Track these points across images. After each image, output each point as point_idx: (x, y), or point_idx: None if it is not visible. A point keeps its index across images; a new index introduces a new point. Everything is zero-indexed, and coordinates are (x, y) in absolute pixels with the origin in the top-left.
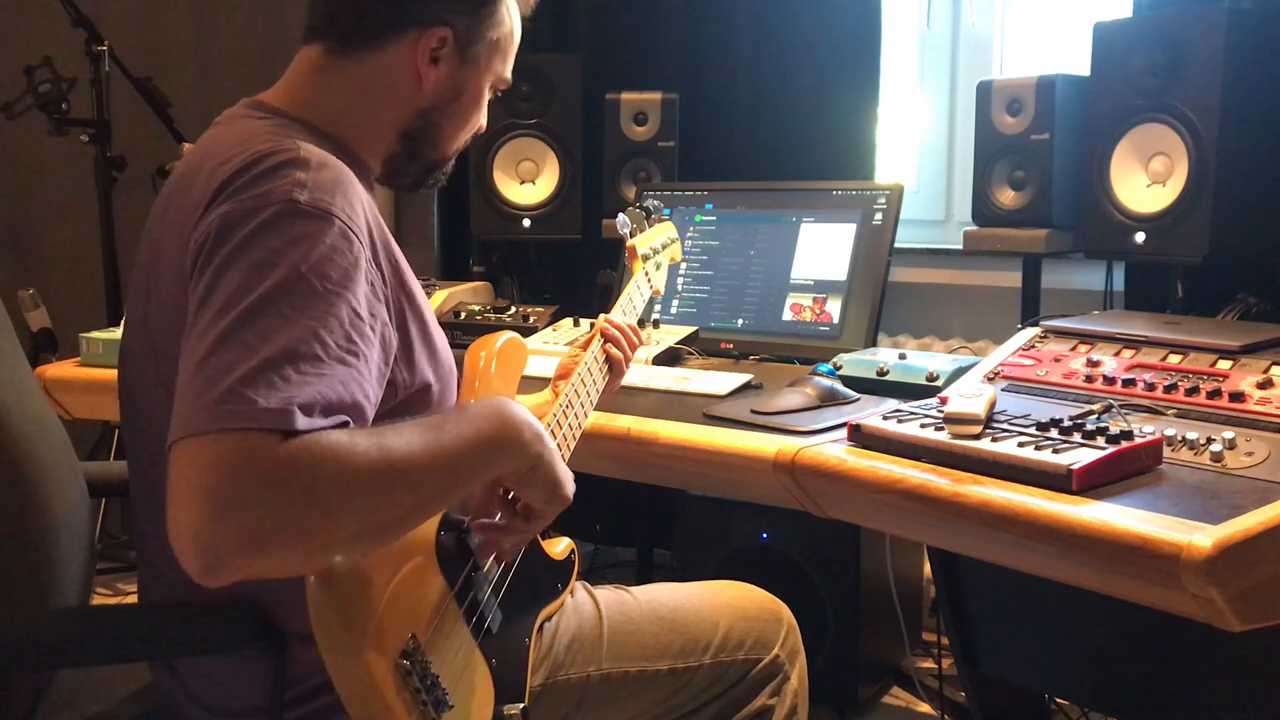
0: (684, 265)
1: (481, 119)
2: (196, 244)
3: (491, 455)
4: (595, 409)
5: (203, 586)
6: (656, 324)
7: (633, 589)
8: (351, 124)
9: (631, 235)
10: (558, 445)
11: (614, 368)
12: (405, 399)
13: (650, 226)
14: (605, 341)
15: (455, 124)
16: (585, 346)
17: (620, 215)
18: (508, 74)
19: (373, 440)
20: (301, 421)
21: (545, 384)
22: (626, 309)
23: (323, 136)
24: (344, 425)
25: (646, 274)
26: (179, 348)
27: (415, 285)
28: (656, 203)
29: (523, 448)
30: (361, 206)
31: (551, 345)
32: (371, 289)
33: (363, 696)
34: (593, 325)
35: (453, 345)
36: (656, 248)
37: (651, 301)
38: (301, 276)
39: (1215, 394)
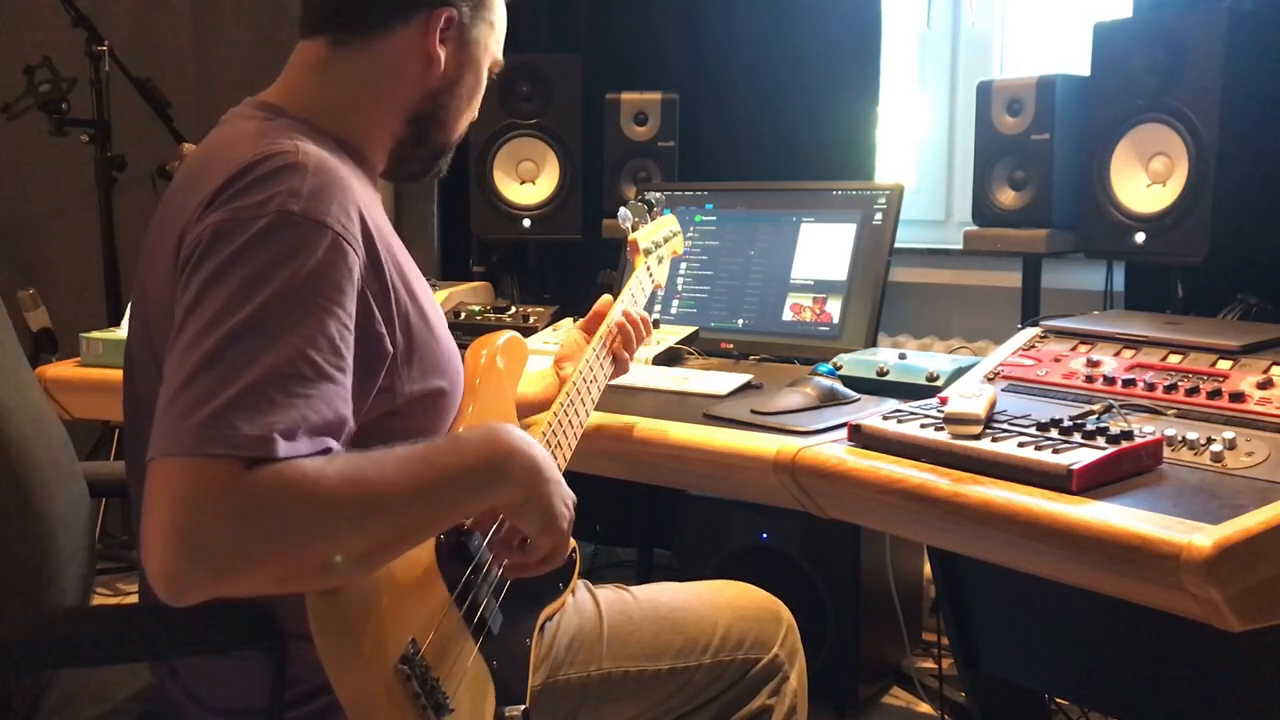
0: (684, 265)
1: (479, 103)
2: (188, 249)
3: (480, 488)
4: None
5: None
6: (656, 324)
7: (633, 588)
8: (356, 118)
9: (633, 229)
10: (559, 445)
11: (618, 363)
12: (407, 404)
13: (651, 220)
14: (615, 335)
15: (461, 105)
16: (588, 329)
17: (622, 209)
18: (501, 56)
19: (346, 470)
20: (282, 448)
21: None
22: (629, 303)
23: (326, 135)
24: (325, 450)
25: (648, 268)
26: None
27: (421, 289)
28: (658, 196)
29: (514, 482)
30: (358, 213)
31: (551, 345)
32: (365, 298)
33: (363, 702)
34: (584, 326)
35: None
36: (659, 241)
37: (653, 296)
38: (293, 292)
39: (1215, 394)
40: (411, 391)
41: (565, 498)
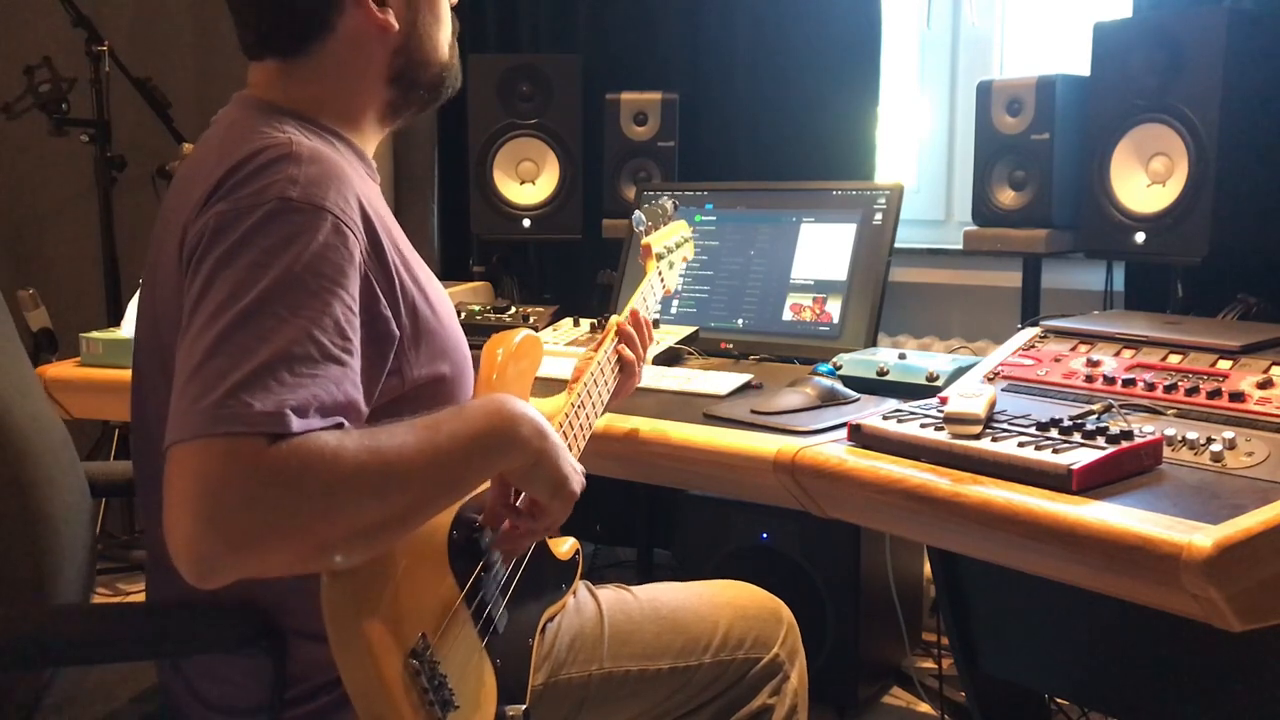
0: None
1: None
2: (191, 244)
3: (490, 452)
4: (606, 410)
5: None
6: (656, 324)
7: (634, 588)
8: (336, 107)
9: (646, 233)
10: (566, 445)
11: (625, 367)
12: (414, 389)
13: (665, 225)
14: (619, 341)
15: (432, 33)
16: (598, 347)
17: (636, 213)
18: None
19: (364, 441)
20: (296, 424)
21: (553, 385)
22: (640, 307)
23: (314, 124)
24: (338, 426)
25: (660, 273)
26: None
27: (425, 276)
28: (674, 201)
29: (523, 444)
30: (356, 199)
31: (552, 345)
32: (369, 282)
33: (371, 695)
34: (595, 324)
35: None
36: (670, 246)
37: (662, 300)
38: (296, 275)
39: (1215, 394)
40: (419, 376)
41: (573, 461)
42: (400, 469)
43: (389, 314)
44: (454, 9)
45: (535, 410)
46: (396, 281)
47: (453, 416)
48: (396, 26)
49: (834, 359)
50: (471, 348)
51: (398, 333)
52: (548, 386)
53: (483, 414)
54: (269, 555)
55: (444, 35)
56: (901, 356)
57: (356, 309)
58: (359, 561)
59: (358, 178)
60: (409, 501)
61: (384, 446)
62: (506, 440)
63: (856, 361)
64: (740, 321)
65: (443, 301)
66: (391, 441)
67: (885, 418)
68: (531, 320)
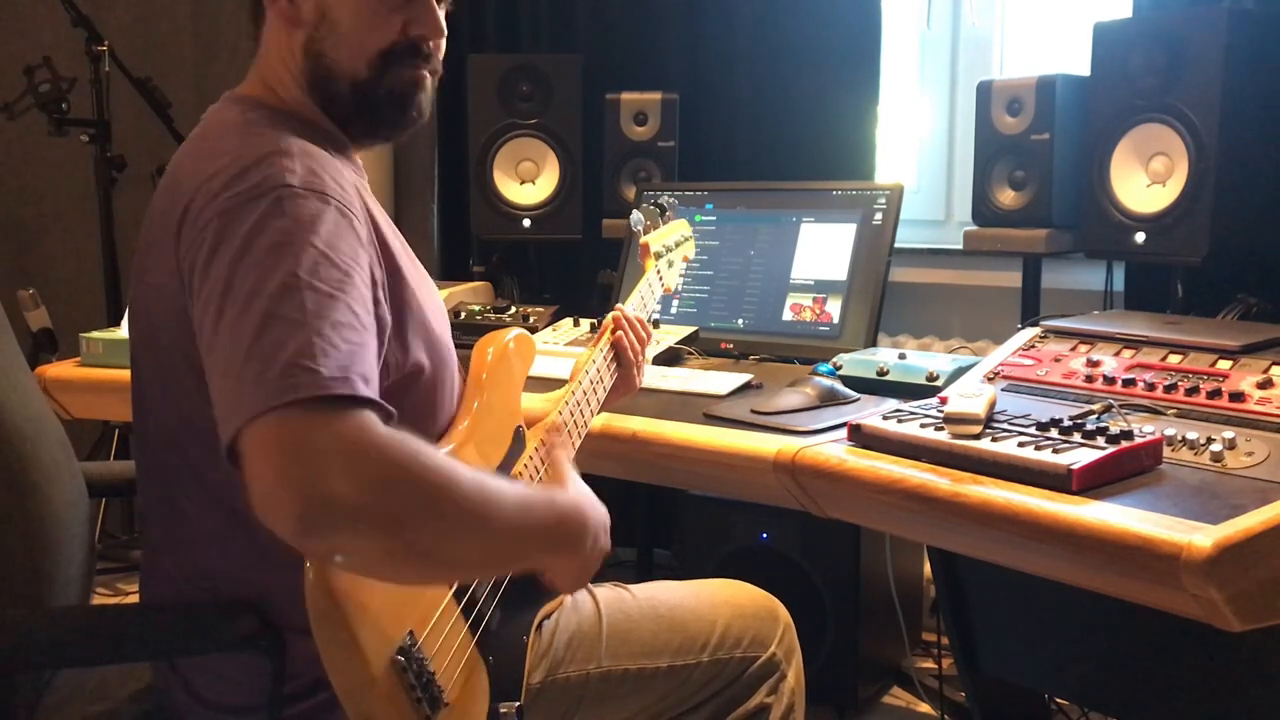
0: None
1: (390, 21)
2: (197, 243)
3: (553, 544)
4: (604, 409)
5: (200, 583)
6: (656, 324)
7: (631, 587)
8: (296, 96)
9: (645, 233)
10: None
11: (621, 359)
12: (397, 380)
13: (664, 224)
14: (614, 338)
15: (347, 33)
16: (594, 345)
17: (634, 213)
18: None
19: (476, 474)
20: (361, 389)
21: (552, 385)
22: (638, 306)
23: (300, 120)
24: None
25: (659, 272)
26: (177, 343)
27: (410, 268)
28: (672, 200)
29: (576, 549)
30: (351, 187)
31: (552, 345)
32: (371, 266)
33: (358, 693)
34: (594, 324)
35: (455, 345)
36: (670, 245)
37: (662, 299)
38: (320, 253)
39: (1215, 394)
40: (402, 367)
41: (604, 550)
42: (489, 516)
43: (382, 298)
44: (438, 30)
45: (604, 514)
46: (385, 269)
47: (543, 499)
48: (296, 30)
49: (834, 359)
50: (465, 348)
51: (389, 319)
52: (547, 387)
53: (557, 513)
54: (363, 533)
55: (367, 43)
56: (901, 356)
57: (369, 289)
58: (397, 580)
59: (347, 169)
60: (477, 551)
61: (489, 488)
62: (572, 544)
63: (856, 361)
64: (740, 321)
65: (430, 296)
66: (497, 486)
67: (885, 418)
68: (531, 320)
